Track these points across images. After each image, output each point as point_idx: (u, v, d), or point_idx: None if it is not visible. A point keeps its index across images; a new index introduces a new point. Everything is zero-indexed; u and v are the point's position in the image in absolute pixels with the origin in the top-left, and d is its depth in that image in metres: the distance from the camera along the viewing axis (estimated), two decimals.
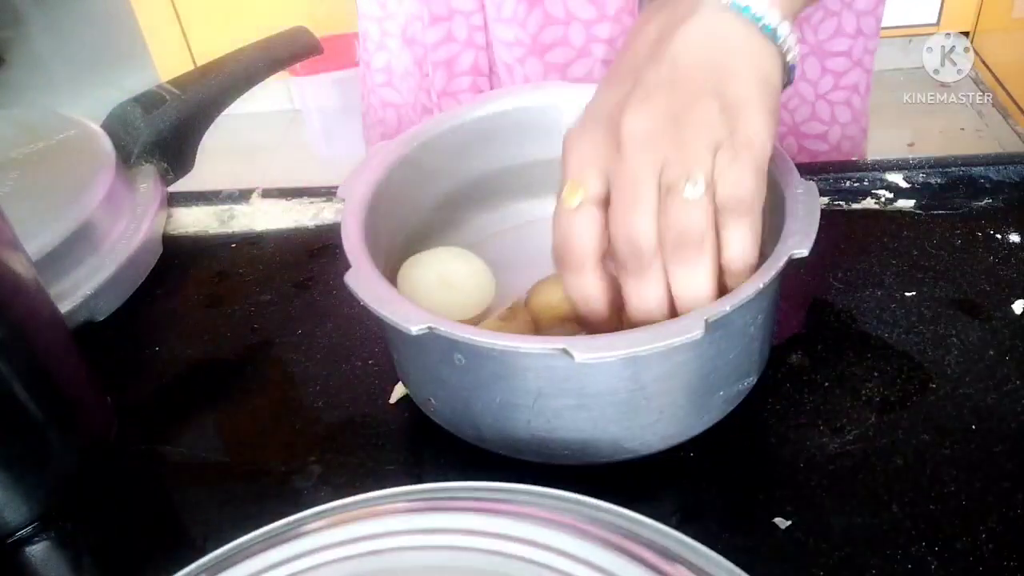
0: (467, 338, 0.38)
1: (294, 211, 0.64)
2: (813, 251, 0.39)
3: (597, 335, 0.37)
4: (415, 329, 0.38)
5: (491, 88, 0.68)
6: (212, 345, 0.54)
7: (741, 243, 0.39)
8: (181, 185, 0.66)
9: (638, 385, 0.40)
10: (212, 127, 0.66)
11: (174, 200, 0.65)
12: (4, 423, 0.41)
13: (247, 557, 0.33)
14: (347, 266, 0.41)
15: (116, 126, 0.63)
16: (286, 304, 0.56)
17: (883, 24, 0.70)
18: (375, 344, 0.52)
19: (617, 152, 0.39)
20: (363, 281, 0.40)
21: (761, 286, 0.39)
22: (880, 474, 0.42)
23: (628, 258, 0.39)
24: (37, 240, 0.52)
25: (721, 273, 0.40)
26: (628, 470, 0.43)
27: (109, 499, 0.45)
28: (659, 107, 0.39)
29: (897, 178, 0.60)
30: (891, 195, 0.60)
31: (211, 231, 0.64)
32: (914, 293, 0.52)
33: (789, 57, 0.42)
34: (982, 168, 0.60)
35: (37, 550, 0.43)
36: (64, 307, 0.52)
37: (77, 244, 0.55)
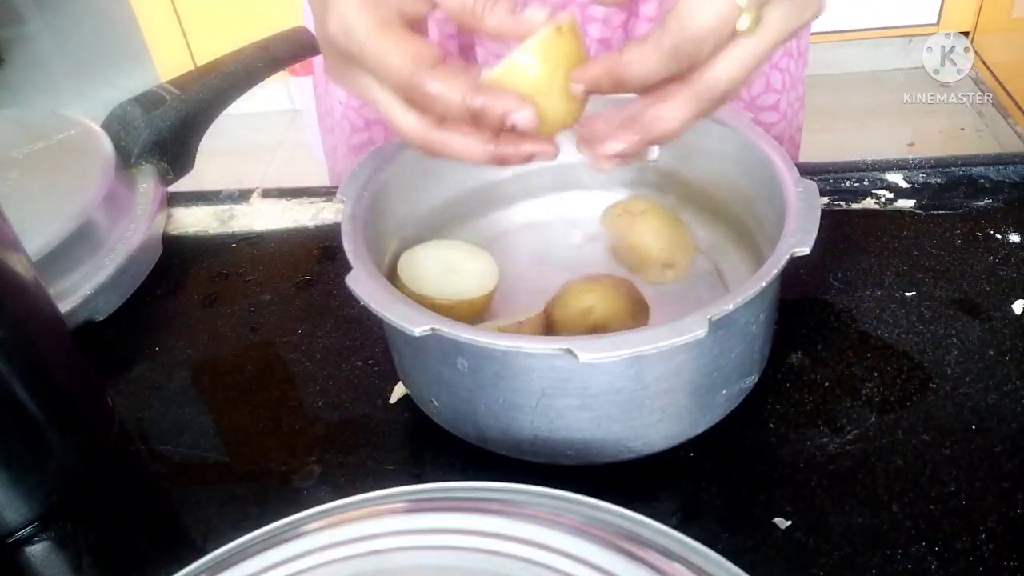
0: (470, 339, 0.38)
1: (294, 211, 0.64)
2: (813, 251, 0.39)
3: (600, 336, 0.37)
4: (418, 331, 0.38)
5: None
6: (212, 345, 0.54)
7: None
8: (181, 185, 0.66)
9: (641, 384, 0.40)
10: (212, 127, 0.66)
11: (174, 200, 0.65)
12: (4, 423, 0.41)
13: (247, 557, 0.33)
14: (347, 266, 0.41)
15: (116, 126, 0.63)
16: (286, 304, 0.56)
17: (883, 24, 0.69)
18: (375, 344, 0.52)
19: None
20: (365, 283, 0.40)
21: (764, 284, 0.39)
22: (880, 474, 0.42)
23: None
24: (37, 240, 0.52)
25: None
26: (628, 470, 0.43)
27: (109, 499, 0.45)
28: None
29: (897, 178, 0.60)
30: (891, 195, 0.60)
31: (211, 231, 0.64)
32: (914, 293, 0.52)
33: None
34: (982, 168, 0.60)
35: (37, 550, 0.43)
36: (64, 307, 0.52)
37: (77, 244, 0.55)
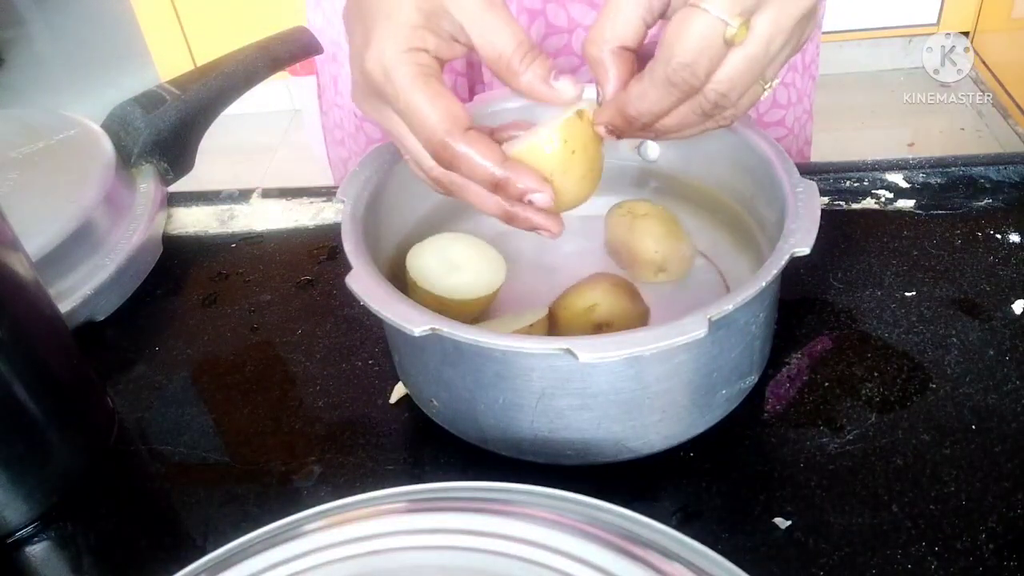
0: (470, 339, 0.38)
1: (294, 211, 0.64)
2: (813, 251, 0.39)
3: (600, 336, 0.37)
4: (418, 331, 0.38)
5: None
6: (212, 345, 0.54)
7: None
8: (181, 185, 0.66)
9: (641, 384, 0.40)
10: (212, 127, 0.66)
11: (174, 200, 0.65)
12: (4, 423, 0.41)
13: (247, 557, 0.33)
14: (347, 266, 0.41)
15: (116, 126, 0.63)
16: (286, 304, 0.56)
17: (883, 24, 0.70)
18: (375, 344, 0.52)
19: None
20: (365, 283, 0.40)
21: (763, 284, 0.39)
22: (880, 474, 0.42)
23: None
24: (37, 240, 0.52)
25: None
26: (628, 470, 0.43)
27: (109, 499, 0.45)
28: None
29: (897, 178, 0.60)
30: (891, 195, 0.60)
31: (211, 231, 0.64)
32: (914, 293, 0.52)
33: None
34: (982, 168, 0.60)
35: (37, 550, 0.43)
36: (64, 307, 0.52)
37: (77, 244, 0.55)
